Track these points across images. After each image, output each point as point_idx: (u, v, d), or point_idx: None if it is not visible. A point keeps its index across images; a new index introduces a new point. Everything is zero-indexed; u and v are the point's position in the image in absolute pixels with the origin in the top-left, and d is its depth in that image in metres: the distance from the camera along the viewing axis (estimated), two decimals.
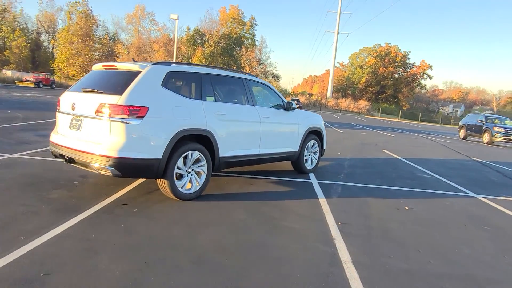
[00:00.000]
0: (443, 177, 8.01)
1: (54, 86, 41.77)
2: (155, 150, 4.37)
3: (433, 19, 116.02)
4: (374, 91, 71.35)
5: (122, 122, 4.17)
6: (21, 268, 2.82)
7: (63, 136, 4.72)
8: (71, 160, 4.54)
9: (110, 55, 56.97)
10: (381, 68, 71.29)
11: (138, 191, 5.02)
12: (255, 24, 62.93)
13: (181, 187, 4.73)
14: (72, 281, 2.69)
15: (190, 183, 4.85)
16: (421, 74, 73.29)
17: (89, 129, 4.38)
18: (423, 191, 6.48)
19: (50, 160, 6.46)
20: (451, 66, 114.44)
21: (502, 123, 21.50)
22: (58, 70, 55.07)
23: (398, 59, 72.89)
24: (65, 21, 59.73)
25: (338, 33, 58.15)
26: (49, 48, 67.05)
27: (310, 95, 71.14)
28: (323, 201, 5.26)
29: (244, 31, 61.19)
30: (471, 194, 6.62)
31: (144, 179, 5.49)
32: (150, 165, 4.34)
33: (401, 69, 73.85)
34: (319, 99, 61.21)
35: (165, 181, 4.56)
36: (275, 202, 5.04)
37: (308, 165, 7.10)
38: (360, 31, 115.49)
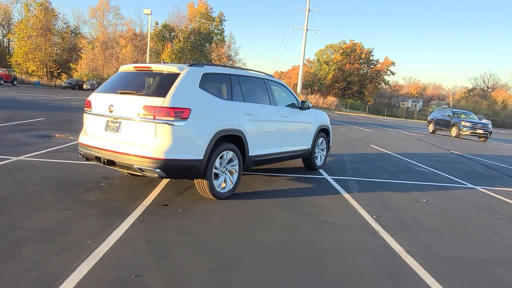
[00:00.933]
0: (438, 170, 8.57)
1: (16, 82, 39.56)
2: (197, 151, 4.44)
3: (394, 17, 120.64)
4: (340, 87, 73.22)
5: (168, 124, 4.20)
6: (109, 270, 2.85)
7: (98, 138, 4.66)
8: (110, 163, 4.51)
9: (73, 50, 54.68)
10: (347, 65, 73.25)
11: (168, 191, 5.04)
12: (224, 19, 62.67)
13: (218, 187, 4.83)
14: (165, 282, 2.76)
15: (225, 183, 4.96)
16: (385, 70, 76.06)
17: (131, 131, 4.37)
18: (428, 184, 6.94)
19: (63, 162, 6.32)
20: (410, 62, 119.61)
21: (468, 118, 22.95)
22: (16, 66, 52.09)
23: (363, 55, 75.18)
24: (22, 14, 56.55)
25: (307, 30, 58.88)
26: (4, 42, 63.17)
27: None
28: (347, 196, 5.54)
29: (213, 26, 60.77)
30: (470, 185, 7.17)
31: (168, 180, 5.51)
32: (193, 166, 4.41)
33: (365, 65, 76.24)
34: None
35: (205, 181, 4.64)
36: (304, 198, 5.24)
37: (318, 162, 7.37)
38: (327, 28, 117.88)
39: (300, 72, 64.70)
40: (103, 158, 4.52)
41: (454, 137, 21.96)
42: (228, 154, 4.90)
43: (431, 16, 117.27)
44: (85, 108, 4.97)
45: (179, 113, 4.25)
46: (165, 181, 5.52)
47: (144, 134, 4.28)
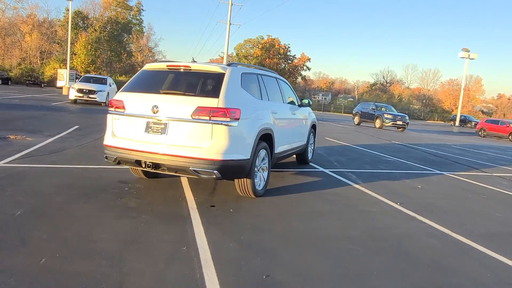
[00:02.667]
0: (402, 159, 9.64)
1: None
2: (247, 150, 4.49)
3: (308, 15, 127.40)
4: None
5: (224, 124, 4.19)
6: (236, 275, 2.86)
7: (137, 141, 4.41)
8: (155, 166, 4.32)
9: None
10: (267, 60, 75.40)
11: (199, 192, 4.96)
12: (142, 9, 59.68)
13: (257, 185, 4.93)
14: (297, 277, 2.88)
15: (260, 180, 5.07)
16: (302, 65, 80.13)
17: (182, 133, 4.24)
18: (407, 172, 7.83)
19: (55, 167, 5.79)
20: (321, 59, 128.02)
21: (388, 111, 25.63)
22: None
23: (282, 51, 78.15)
24: None
25: (230, 24, 59.33)
26: None
27: None
28: (359, 187, 6.05)
29: (131, 16, 57.52)
30: (438, 171, 8.27)
31: (186, 180, 5.43)
32: (243, 165, 4.45)
33: (284, 60, 79.38)
34: None
35: (248, 180, 4.70)
36: (327, 191, 5.60)
37: (309, 156, 7.80)
38: (243, 22, 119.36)
39: None
40: (147, 162, 4.31)
41: (378, 128, 24.32)
42: (262, 153, 5.02)
43: (338, 16, 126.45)
44: (113, 109, 4.63)
45: (233, 113, 4.26)
46: (186, 182, 5.40)
47: (199, 136, 4.20)
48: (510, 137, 27.77)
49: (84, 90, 18.76)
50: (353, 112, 28.70)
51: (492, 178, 8.12)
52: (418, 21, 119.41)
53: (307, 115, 7.37)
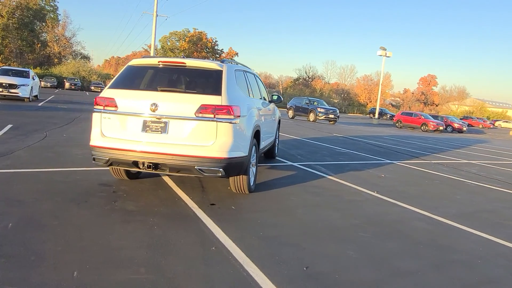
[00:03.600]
0: (352, 151, 10.37)
1: None
2: (245, 147, 4.54)
3: (235, 10, 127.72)
4: None
5: (228, 122, 4.19)
6: (280, 270, 2.95)
7: (133, 141, 4.20)
8: (155, 167, 4.17)
9: None
10: (194, 53, 74.22)
11: (190, 191, 4.90)
12: None
13: (251, 181, 5.00)
14: (330, 266, 3.06)
15: (251, 176, 5.15)
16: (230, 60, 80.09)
17: (184, 131, 4.14)
18: (364, 162, 8.48)
19: (19, 172, 5.22)
20: (246, 53, 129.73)
21: (320, 105, 27.07)
22: None
23: (209, 45, 77.55)
24: None
25: (157, 15, 57.13)
26: None
27: None
28: (333, 178, 6.43)
29: (44, 2, 52.26)
30: (389, 161, 9.08)
31: (170, 179, 5.32)
32: (243, 162, 4.50)
33: (211, 54, 78.85)
34: None
35: (245, 177, 4.75)
36: (309, 183, 5.88)
37: (276, 151, 8.03)
38: (174, 16, 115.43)
39: None
40: (146, 162, 4.14)
41: (312, 121, 25.57)
42: (254, 149, 5.10)
43: (264, 12, 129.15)
44: (102, 107, 4.33)
45: (236, 110, 4.28)
46: (170, 181, 5.27)
47: (203, 134, 4.14)
48: (422, 127, 31.05)
49: (4, 84, 16.75)
50: (288, 106, 29.76)
51: (433, 165, 9.16)
52: (336, 18, 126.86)
53: (275, 110, 7.57)
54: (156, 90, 4.31)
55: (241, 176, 4.70)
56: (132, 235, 3.37)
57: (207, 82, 4.43)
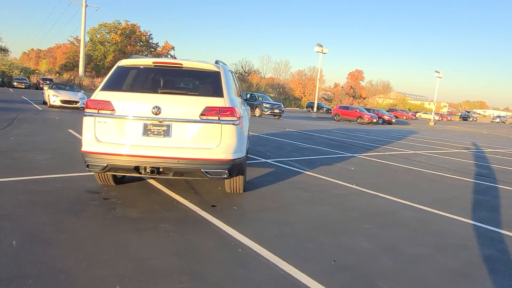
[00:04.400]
0: (314, 145, 10.81)
1: None
2: (244, 148, 4.61)
3: (170, 2, 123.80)
4: None
5: (231, 124, 4.21)
6: (310, 264, 3.09)
7: (134, 146, 4.03)
8: (158, 171, 4.06)
9: None
10: (128, 47, 70.88)
11: (181, 193, 4.86)
12: None
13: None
14: (355, 258, 3.28)
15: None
16: (166, 54, 77.91)
17: (189, 134, 4.08)
18: (331, 156, 8.92)
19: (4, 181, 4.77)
20: (182, 47, 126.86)
21: (265, 100, 27.57)
22: None
23: (144, 38, 74.45)
24: None
25: (86, 5, 53.38)
26: None
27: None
28: (311, 173, 6.72)
29: None
30: (349, 154, 9.63)
31: (153, 181, 5.21)
32: (242, 163, 4.56)
33: (146, 48, 75.83)
34: (71, 77, 54.91)
35: (241, 177, 4.81)
36: (291, 180, 6.09)
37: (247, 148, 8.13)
38: (104, 7, 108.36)
39: (82, 52, 58.41)
40: (149, 167, 4.02)
41: (258, 116, 25.98)
42: None
43: (198, 6, 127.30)
44: (96, 111, 4.10)
45: (237, 112, 4.32)
46: (158, 184, 5.14)
47: (208, 136, 4.12)
48: (358, 120, 33.07)
49: None
50: None
51: (388, 157, 9.92)
52: (270, 14, 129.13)
53: (248, 108, 7.65)
54: (156, 92, 4.18)
55: (238, 176, 4.75)
56: (154, 244, 3.29)
57: (207, 83, 4.39)
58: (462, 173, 8.19)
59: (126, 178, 5.22)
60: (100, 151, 4.04)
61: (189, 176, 4.26)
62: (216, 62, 4.72)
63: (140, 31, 73.65)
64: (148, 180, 5.32)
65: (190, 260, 3.03)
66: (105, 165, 4.04)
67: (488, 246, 3.82)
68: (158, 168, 4.04)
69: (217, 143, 4.12)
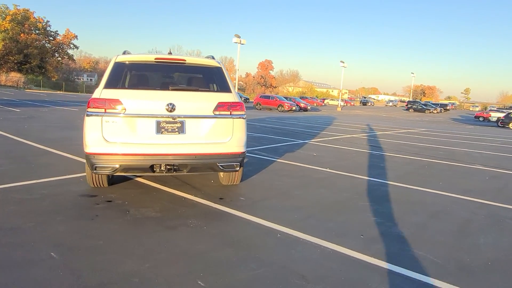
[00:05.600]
0: (265, 134, 11.22)
1: None
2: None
3: None
4: (16, 61, 62.33)
5: (241, 118, 4.37)
6: (343, 240, 3.48)
7: (147, 144, 3.95)
8: (174, 168, 4.05)
9: None
10: (21, 35, 62.87)
11: (182, 187, 4.89)
12: None
13: None
14: (379, 231, 3.76)
15: None
16: (68, 43, 71.02)
17: (203, 130, 4.12)
18: (286, 144, 9.42)
19: None
20: (83, 35, 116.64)
21: None
22: None
23: (40, 25, 66.72)
24: None
25: None
26: None
27: None
28: (283, 161, 7.12)
29: None
30: (301, 141, 10.26)
31: (142, 179, 5.16)
32: (245, 155, 4.74)
33: (44, 37, 68.13)
34: None
35: (241, 169, 4.98)
36: (271, 167, 6.41)
37: None
38: None
39: None
40: (164, 165, 3.99)
41: None
42: None
43: None
44: (103, 110, 3.90)
45: (244, 106, 4.48)
46: (149, 181, 5.05)
47: (222, 131, 4.21)
48: (278, 108, 34.52)
49: None
50: None
51: (335, 141, 10.80)
52: (181, 4, 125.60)
53: None
54: (167, 89, 4.11)
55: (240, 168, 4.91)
56: (197, 238, 3.35)
57: (212, 79, 4.44)
58: (405, 152, 9.37)
59: (114, 179, 5.01)
60: (111, 151, 3.88)
61: (202, 171, 4.31)
62: (212, 57, 4.77)
63: (34, 17, 65.80)
64: (136, 179, 5.17)
65: (244, 249, 3.18)
66: (117, 166, 3.89)
67: (462, 210, 4.63)
68: (174, 166, 4.02)
69: (229, 137, 4.24)
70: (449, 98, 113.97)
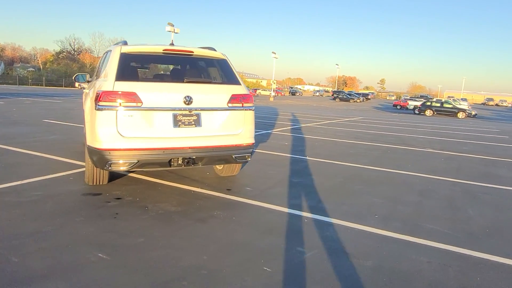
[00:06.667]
0: None
1: None
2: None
3: None
4: None
5: (251, 109, 4.46)
6: (362, 219, 3.82)
7: (164, 138, 3.87)
8: (191, 161, 4.04)
9: None
10: None
11: (182, 180, 4.90)
12: None
13: None
14: (386, 210, 4.15)
15: None
16: None
17: (217, 122, 4.14)
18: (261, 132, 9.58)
19: None
20: None
21: None
22: None
23: None
24: None
25: None
26: None
27: None
28: (260, 151, 7.30)
29: None
30: (264, 131, 10.49)
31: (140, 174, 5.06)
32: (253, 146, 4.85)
33: None
34: None
35: None
36: (254, 159, 6.58)
37: None
38: None
39: None
40: (181, 158, 3.96)
41: None
42: None
43: None
44: (117, 104, 3.72)
45: (253, 99, 4.57)
46: (147, 177, 4.95)
47: (235, 123, 4.26)
48: None
49: None
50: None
51: (297, 131, 11.23)
52: None
53: None
54: (182, 81, 4.04)
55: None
56: (233, 229, 3.42)
57: (220, 71, 4.44)
58: (363, 139, 10.10)
59: (116, 175, 4.80)
60: (128, 147, 3.74)
61: (216, 164, 4.34)
62: (214, 48, 4.76)
63: None
64: (129, 174, 5.00)
65: (282, 235, 3.33)
66: (135, 161, 3.77)
67: (444, 188, 5.27)
68: (191, 159, 4.00)
69: (241, 128, 4.31)
70: (367, 88, 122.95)
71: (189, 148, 3.94)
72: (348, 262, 2.88)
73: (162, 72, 4.35)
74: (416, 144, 9.77)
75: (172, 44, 4.50)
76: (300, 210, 3.98)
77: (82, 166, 5.29)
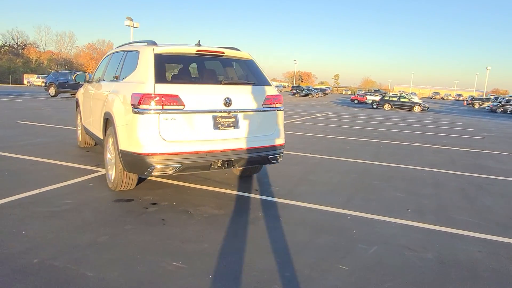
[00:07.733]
0: None
1: None
2: None
3: None
4: None
5: (282, 110, 4.52)
6: (394, 213, 4.02)
7: (206, 141, 3.82)
8: (230, 164, 4.03)
9: None
10: None
11: (209, 183, 4.88)
12: None
13: None
14: (410, 203, 4.39)
15: None
16: None
17: (253, 124, 4.13)
18: None
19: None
20: None
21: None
22: None
23: None
24: None
25: None
26: None
27: None
28: None
29: None
30: None
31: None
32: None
33: None
34: None
35: None
36: None
37: None
38: None
39: None
40: (220, 161, 3.93)
41: None
42: None
43: None
44: (160, 107, 3.63)
45: (282, 99, 4.60)
46: (168, 180, 4.87)
47: (269, 124, 4.29)
48: None
49: None
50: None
51: (290, 127, 11.32)
52: None
53: None
54: (219, 83, 4.00)
55: None
56: (287, 229, 3.47)
57: (251, 72, 4.42)
58: (351, 135, 10.44)
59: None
60: (171, 151, 3.66)
61: (252, 165, 4.34)
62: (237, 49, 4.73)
63: None
64: (150, 178, 4.89)
65: (336, 233, 3.42)
66: (179, 165, 3.70)
67: (440, 177, 5.62)
68: (229, 161, 3.99)
69: (274, 129, 4.35)
70: (322, 83, 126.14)
71: (230, 150, 3.92)
72: (413, 256, 3.03)
73: (200, 73, 4.26)
74: (401, 139, 10.27)
75: (198, 44, 4.43)
76: (336, 207, 4.10)
77: (93, 171, 5.11)
